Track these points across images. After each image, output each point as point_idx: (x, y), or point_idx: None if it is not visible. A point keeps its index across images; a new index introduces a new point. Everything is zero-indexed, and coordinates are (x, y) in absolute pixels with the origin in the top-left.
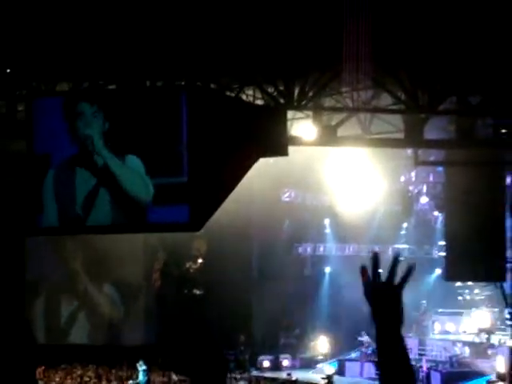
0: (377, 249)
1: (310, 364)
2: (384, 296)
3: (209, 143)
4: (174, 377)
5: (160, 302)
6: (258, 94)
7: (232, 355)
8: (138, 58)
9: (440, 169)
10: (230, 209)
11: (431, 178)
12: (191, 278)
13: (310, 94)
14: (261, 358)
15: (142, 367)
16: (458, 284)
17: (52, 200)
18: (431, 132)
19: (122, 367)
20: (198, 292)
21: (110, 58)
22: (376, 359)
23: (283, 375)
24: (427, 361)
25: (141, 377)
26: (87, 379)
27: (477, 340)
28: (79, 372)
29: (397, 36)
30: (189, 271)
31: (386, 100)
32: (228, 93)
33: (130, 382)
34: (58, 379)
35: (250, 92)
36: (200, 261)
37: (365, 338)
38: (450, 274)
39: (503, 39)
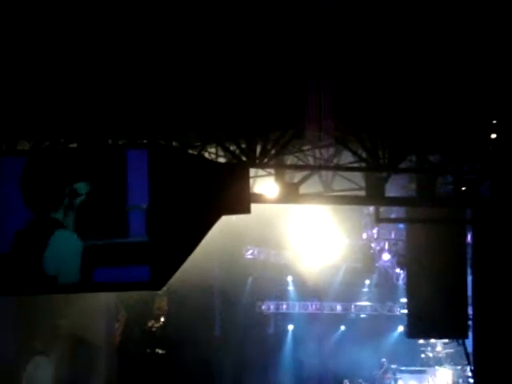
0: (339, 306)
1: None
2: None
3: (170, 201)
4: None
5: (122, 362)
6: (221, 152)
7: None
8: (100, 116)
9: (401, 226)
10: (191, 266)
11: (393, 235)
12: (153, 337)
13: (272, 151)
14: None
15: None
16: (421, 341)
17: None
18: (392, 189)
19: None
20: (160, 351)
21: (71, 116)
22: None
23: None
24: None
25: None
26: None
27: None
28: None
29: (358, 95)
30: (151, 330)
31: (347, 158)
32: (190, 151)
33: None
34: None
35: (213, 150)
36: (162, 319)
37: None
38: (412, 332)
39: (462, 99)
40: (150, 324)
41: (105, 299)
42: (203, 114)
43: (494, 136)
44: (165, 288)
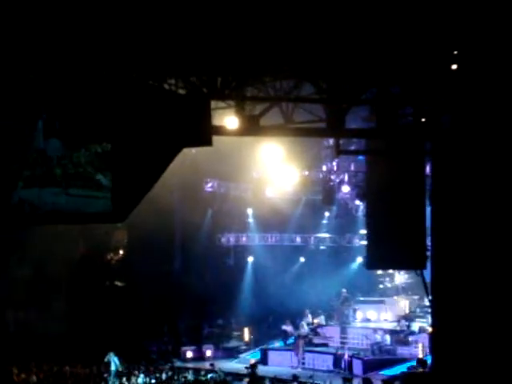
0: (298, 238)
1: (233, 354)
2: None
3: (132, 133)
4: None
5: (81, 293)
6: (181, 84)
7: (155, 346)
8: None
9: (361, 158)
10: (151, 199)
11: (352, 167)
12: (113, 270)
13: (233, 83)
14: (184, 348)
15: (110, 358)
16: (379, 272)
17: None
18: (353, 122)
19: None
20: (119, 283)
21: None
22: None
23: (206, 365)
24: (349, 349)
25: (112, 367)
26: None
27: (397, 327)
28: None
29: (320, 27)
30: (110, 262)
31: (308, 90)
32: (150, 82)
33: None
34: None
35: (173, 82)
36: (121, 252)
37: (289, 328)
38: (371, 263)
39: (422, 30)
40: (108, 256)
41: (63, 231)
42: (164, 46)
43: (454, 67)
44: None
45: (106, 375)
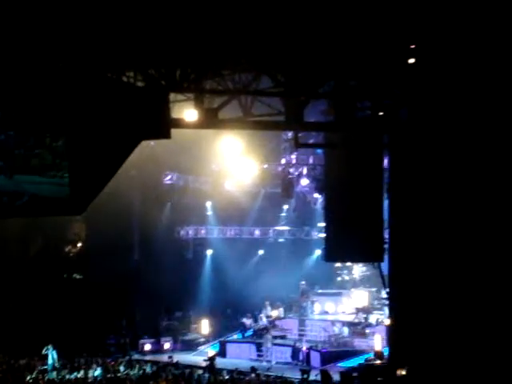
0: (257, 231)
1: (191, 346)
2: None
3: (90, 125)
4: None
5: (39, 286)
6: (139, 77)
7: (113, 339)
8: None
9: (320, 151)
10: (110, 192)
11: (311, 161)
12: (71, 262)
13: (192, 76)
14: (142, 341)
15: (48, 351)
16: (338, 265)
17: None
18: (311, 115)
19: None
20: (77, 276)
21: None
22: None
23: (164, 358)
24: (307, 341)
25: (49, 360)
26: None
27: (355, 320)
28: None
29: (278, 21)
30: (68, 255)
31: (266, 83)
32: (109, 74)
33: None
34: None
35: (131, 74)
36: (79, 245)
37: (248, 321)
38: (329, 255)
39: (380, 24)
40: (66, 249)
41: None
42: (122, 38)
43: (411, 61)
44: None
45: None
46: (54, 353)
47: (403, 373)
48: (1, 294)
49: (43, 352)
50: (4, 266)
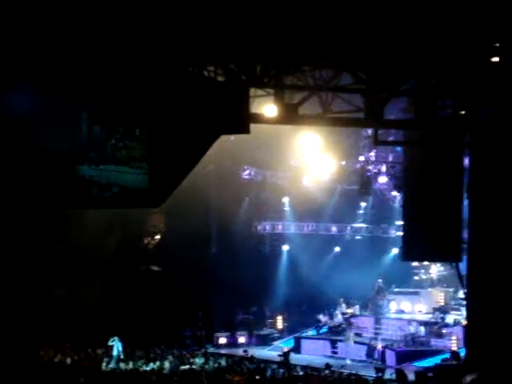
0: (334, 227)
1: (266, 341)
2: None
3: (169, 118)
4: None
5: (117, 277)
6: (220, 72)
7: (189, 331)
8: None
9: (399, 149)
10: (188, 185)
11: (390, 158)
12: (148, 254)
13: (272, 71)
14: (217, 334)
15: (114, 342)
16: (415, 264)
17: None
18: (391, 112)
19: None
20: (155, 268)
21: None
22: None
23: (239, 352)
24: (382, 339)
25: (114, 352)
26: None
27: (432, 319)
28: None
29: (361, 17)
30: (146, 247)
31: (347, 79)
32: (190, 69)
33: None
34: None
35: (212, 69)
36: (158, 237)
37: (324, 318)
38: (407, 254)
39: (463, 22)
40: (145, 241)
41: (100, 215)
42: (205, 33)
43: (495, 59)
44: (162, 206)
45: (106, 359)
46: (120, 344)
47: (472, 378)
48: (81, 285)
49: (109, 343)
50: (84, 256)
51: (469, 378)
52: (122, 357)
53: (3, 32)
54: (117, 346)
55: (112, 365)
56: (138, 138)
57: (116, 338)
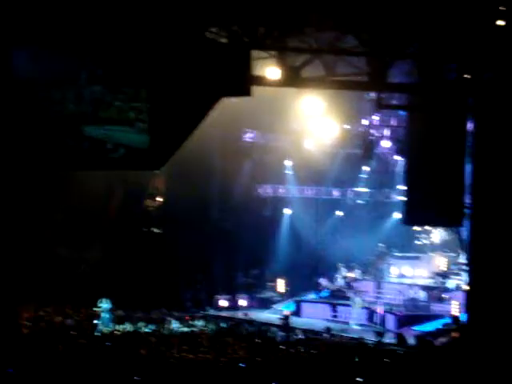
0: (336, 192)
1: (266, 304)
2: None
3: (171, 79)
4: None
5: (118, 238)
6: (223, 33)
7: (189, 294)
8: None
9: (402, 113)
10: (189, 148)
11: (393, 122)
12: (150, 216)
13: (275, 33)
14: (218, 297)
15: (104, 305)
16: (416, 228)
17: None
18: (395, 76)
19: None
20: (156, 230)
21: None
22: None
23: (240, 315)
24: (383, 304)
25: (103, 314)
26: (42, 314)
27: (432, 284)
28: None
29: None
30: (147, 209)
31: (350, 42)
32: (192, 30)
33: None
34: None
35: (215, 30)
36: (159, 199)
37: (325, 282)
38: (409, 218)
39: None
40: (146, 203)
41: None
42: None
43: (500, 23)
44: (164, 169)
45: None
46: (108, 307)
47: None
48: (82, 246)
49: (98, 304)
50: (87, 217)
51: (441, 340)
52: (111, 319)
53: None
54: (106, 309)
55: (101, 327)
56: (144, 100)
57: (104, 300)
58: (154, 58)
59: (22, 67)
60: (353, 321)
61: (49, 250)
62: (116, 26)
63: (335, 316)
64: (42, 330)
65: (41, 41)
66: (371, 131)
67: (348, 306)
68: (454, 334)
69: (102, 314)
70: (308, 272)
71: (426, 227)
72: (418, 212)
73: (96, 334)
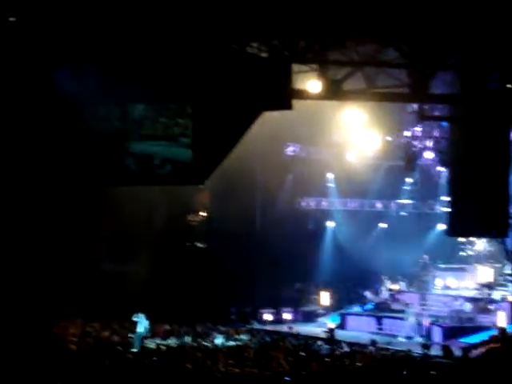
0: (379, 204)
1: (311, 318)
2: None
3: (213, 95)
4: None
5: (162, 253)
6: (263, 48)
7: (234, 308)
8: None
9: (445, 124)
10: (232, 162)
11: (436, 133)
12: (194, 231)
13: (316, 47)
14: (262, 311)
15: (138, 319)
16: (461, 239)
17: None
18: (437, 87)
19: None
20: (200, 245)
21: None
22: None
23: (284, 328)
24: (429, 316)
25: (138, 328)
26: (90, 329)
27: (478, 295)
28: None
29: None
30: (191, 224)
31: (391, 54)
32: (233, 45)
33: (130, 334)
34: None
35: (255, 45)
36: (202, 214)
37: (370, 294)
38: (453, 230)
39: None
40: (190, 218)
41: (146, 192)
42: (247, 9)
43: None
44: (208, 185)
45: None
46: (146, 322)
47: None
48: (128, 262)
49: (133, 319)
50: (131, 233)
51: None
52: (148, 334)
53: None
54: (143, 323)
55: (136, 343)
56: (189, 115)
57: (141, 315)
58: (198, 75)
59: (67, 84)
60: (404, 333)
61: (95, 265)
62: (162, 43)
63: (380, 329)
64: (89, 346)
65: (86, 58)
66: (414, 143)
67: (394, 318)
68: (491, 345)
69: (138, 328)
70: (352, 285)
71: (471, 238)
72: (463, 223)
73: (133, 349)
